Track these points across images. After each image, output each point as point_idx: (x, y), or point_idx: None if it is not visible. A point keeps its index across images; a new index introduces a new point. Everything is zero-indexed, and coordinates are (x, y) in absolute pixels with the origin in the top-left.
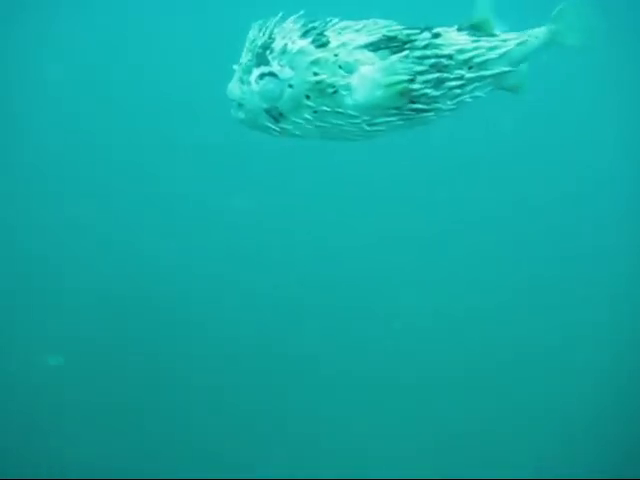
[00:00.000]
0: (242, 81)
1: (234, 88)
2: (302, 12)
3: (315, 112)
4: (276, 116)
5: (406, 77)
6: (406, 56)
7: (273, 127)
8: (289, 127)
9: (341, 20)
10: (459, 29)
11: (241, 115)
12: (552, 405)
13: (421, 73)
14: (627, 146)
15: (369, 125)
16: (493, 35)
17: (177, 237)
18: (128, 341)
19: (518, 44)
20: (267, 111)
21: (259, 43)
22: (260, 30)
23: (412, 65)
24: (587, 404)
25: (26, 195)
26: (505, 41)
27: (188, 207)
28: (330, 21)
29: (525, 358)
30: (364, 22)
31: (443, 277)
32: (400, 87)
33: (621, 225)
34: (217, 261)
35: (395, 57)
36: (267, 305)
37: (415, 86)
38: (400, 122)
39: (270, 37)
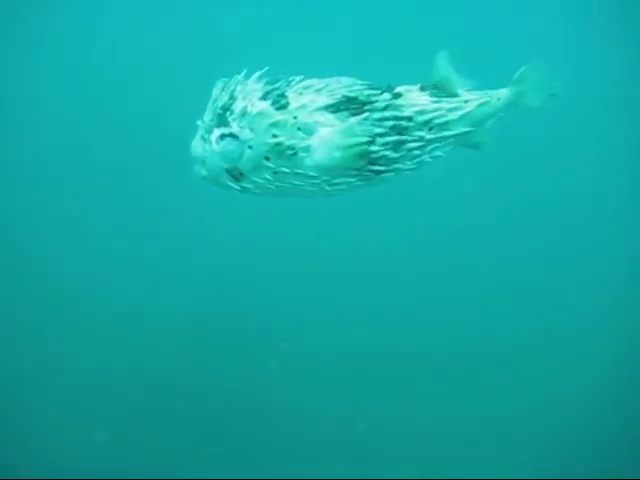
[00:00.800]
0: (204, 140)
1: (196, 146)
2: (266, 69)
3: (275, 173)
4: (237, 176)
5: (365, 139)
6: (365, 118)
7: (234, 186)
8: (250, 186)
9: (304, 78)
10: (422, 88)
11: (203, 172)
12: (552, 405)
13: (380, 135)
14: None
15: (329, 185)
16: (455, 95)
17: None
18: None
19: (479, 105)
20: (228, 171)
21: (220, 104)
22: (222, 89)
23: (371, 127)
24: (587, 404)
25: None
26: (466, 102)
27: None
28: (292, 80)
29: (525, 358)
30: (327, 81)
31: (443, 277)
32: (359, 149)
33: (620, 226)
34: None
35: (354, 119)
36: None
37: (374, 148)
38: (361, 182)
39: (231, 97)
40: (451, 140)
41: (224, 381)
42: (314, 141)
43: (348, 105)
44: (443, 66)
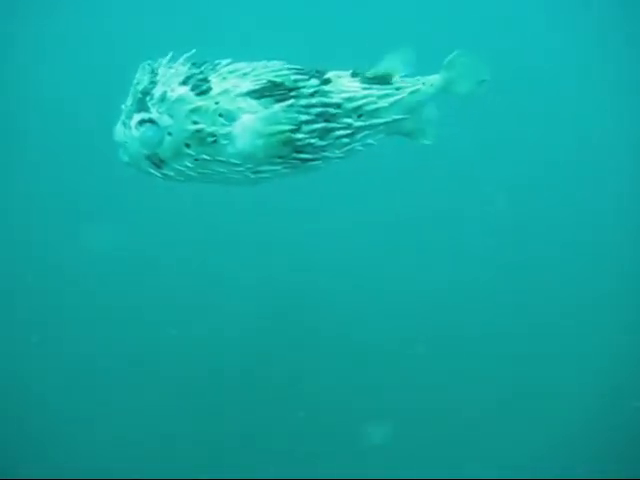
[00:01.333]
0: (125, 125)
1: (118, 131)
2: (193, 51)
3: (196, 160)
4: (157, 162)
5: (289, 127)
6: (291, 105)
7: (155, 173)
8: (171, 173)
9: (232, 62)
10: (353, 74)
11: (125, 158)
12: (552, 405)
13: (306, 122)
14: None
15: (254, 173)
16: (388, 82)
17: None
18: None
19: (411, 92)
20: (148, 157)
21: (139, 88)
22: (144, 73)
23: (296, 114)
24: (587, 404)
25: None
26: (398, 89)
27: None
28: (218, 64)
29: (525, 358)
30: (254, 65)
31: (444, 279)
32: (282, 137)
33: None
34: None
35: (278, 106)
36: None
37: (299, 136)
38: (287, 170)
39: (152, 82)
40: (382, 128)
41: (224, 381)
42: (236, 128)
43: (273, 91)
44: (396, 56)
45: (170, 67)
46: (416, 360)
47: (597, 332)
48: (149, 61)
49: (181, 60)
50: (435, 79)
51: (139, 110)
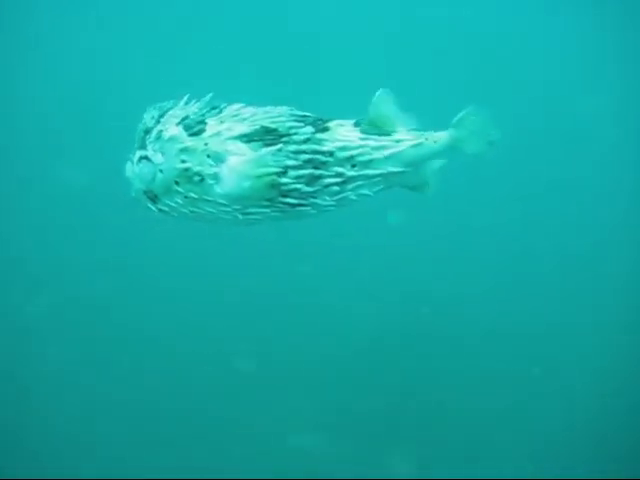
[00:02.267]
0: (131, 161)
1: (128, 167)
2: (211, 94)
3: (186, 197)
4: (152, 198)
5: (275, 170)
6: (279, 149)
7: (152, 208)
8: (166, 209)
9: (241, 106)
10: (356, 124)
11: (133, 193)
12: (551, 405)
13: (293, 168)
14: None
15: (242, 214)
16: (390, 133)
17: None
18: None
19: (412, 146)
20: (144, 192)
21: (142, 127)
22: (150, 113)
23: (284, 159)
24: (587, 404)
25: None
26: (398, 141)
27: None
28: (224, 107)
29: (524, 358)
30: (258, 109)
31: (445, 281)
32: (268, 180)
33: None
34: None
35: (265, 150)
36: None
37: (285, 180)
38: (277, 214)
39: (157, 121)
40: (379, 179)
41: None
42: (223, 169)
43: (264, 136)
44: (382, 103)
45: (181, 109)
46: (415, 360)
47: (598, 331)
48: (162, 102)
49: (193, 102)
50: (441, 136)
51: (140, 147)
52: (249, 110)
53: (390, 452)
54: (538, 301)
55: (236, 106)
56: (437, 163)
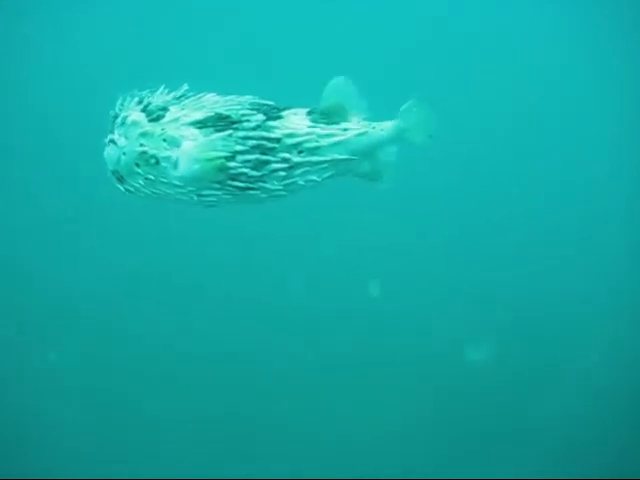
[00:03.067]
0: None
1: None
2: (185, 85)
3: (146, 179)
4: (119, 178)
5: (223, 154)
6: (229, 135)
7: (120, 187)
8: (131, 189)
9: (205, 94)
10: (309, 113)
11: (108, 173)
12: (551, 405)
13: (241, 153)
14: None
15: (197, 196)
16: (338, 122)
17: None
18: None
19: (357, 135)
20: (112, 173)
21: (112, 113)
22: (120, 100)
23: (233, 144)
24: (587, 404)
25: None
26: (345, 130)
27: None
28: (191, 96)
29: (524, 357)
30: (219, 98)
31: (445, 284)
32: (216, 163)
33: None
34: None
35: (215, 135)
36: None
37: (232, 164)
38: (228, 196)
39: (126, 108)
40: (326, 166)
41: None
42: (176, 152)
43: (216, 122)
44: (334, 93)
45: (148, 97)
46: (417, 362)
47: (598, 331)
48: (136, 90)
49: (164, 91)
50: (387, 125)
51: (110, 131)
52: (211, 98)
53: (390, 456)
54: (537, 303)
55: (202, 95)
56: (391, 154)
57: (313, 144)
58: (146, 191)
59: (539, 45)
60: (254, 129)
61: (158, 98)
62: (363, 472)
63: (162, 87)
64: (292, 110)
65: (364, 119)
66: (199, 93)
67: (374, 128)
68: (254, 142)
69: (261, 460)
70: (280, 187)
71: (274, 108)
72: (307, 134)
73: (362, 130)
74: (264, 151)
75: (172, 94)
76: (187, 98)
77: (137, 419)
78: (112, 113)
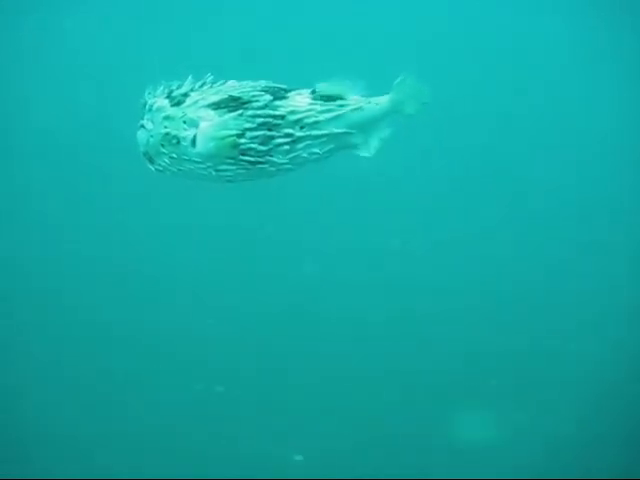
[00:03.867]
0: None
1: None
2: (210, 75)
3: (171, 158)
4: (149, 159)
5: (234, 132)
6: (240, 114)
7: (151, 167)
8: (160, 169)
9: (225, 81)
10: (312, 92)
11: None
12: (551, 405)
13: (250, 130)
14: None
15: (216, 171)
16: (336, 99)
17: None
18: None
19: (353, 110)
20: (144, 154)
21: (142, 101)
22: (149, 89)
23: (243, 122)
24: (587, 404)
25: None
26: (342, 106)
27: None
28: (214, 82)
29: (523, 357)
30: (235, 83)
31: (444, 283)
32: (229, 140)
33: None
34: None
35: (228, 115)
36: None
37: (242, 140)
38: (242, 171)
39: (153, 96)
40: (325, 139)
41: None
42: (194, 132)
43: (229, 103)
44: (335, 77)
45: (172, 85)
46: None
47: (598, 331)
48: (163, 81)
49: (189, 80)
50: (382, 100)
51: (142, 117)
52: (229, 84)
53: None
54: (537, 303)
55: (222, 82)
56: (386, 130)
57: (312, 119)
58: (172, 169)
59: (537, 41)
60: (262, 108)
61: (182, 86)
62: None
63: (189, 77)
64: (297, 91)
65: (362, 96)
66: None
67: (369, 103)
68: (261, 120)
69: (263, 460)
70: (286, 160)
71: (282, 89)
72: (307, 110)
73: (358, 105)
74: (270, 127)
75: (195, 83)
76: (209, 86)
77: (138, 419)
78: (142, 101)
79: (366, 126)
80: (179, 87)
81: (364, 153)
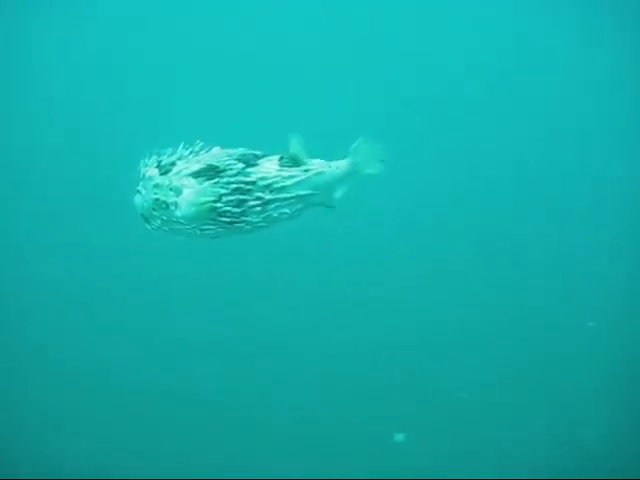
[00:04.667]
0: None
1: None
2: (200, 143)
3: (162, 220)
4: (146, 219)
5: (212, 198)
6: (216, 182)
7: (148, 226)
8: (155, 227)
9: (207, 149)
10: (280, 159)
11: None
12: (551, 405)
13: (225, 195)
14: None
15: (200, 230)
16: (300, 165)
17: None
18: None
19: (316, 174)
20: (141, 215)
21: (138, 170)
22: (145, 161)
23: (219, 189)
24: (586, 404)
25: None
26: (306, 171)
27: None
28: (195, 152)
29: (523, 357)
30: (218, 151)
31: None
32: (207, 205)
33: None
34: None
35: (206, 183)
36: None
37: (219, 205)
38: (222, 229)
39: (145, 165)
40: (294, 200)
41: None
42: (179, 199)
43: (207, 172)
44: (297, 144)
45: (162, 155)
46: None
47: (597, 331)
48: (157, 150)
49: (178, 150)
50: (341, 163)
51: (138, 184)
52: (212, 151)
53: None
54: (537, 302)
55: (206, 149)
56: (346, 189)
57: (280, 184)
58: (165, 228)
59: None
60: (235, 175)
61: (171, 156)
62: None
63: (180, 146)
64: (268, 158)
65: (319, 161)
66: (207, 146)
67: (330, 167)
68: (235, 185)
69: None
70: (260, 219)
71: (255, 156)
72: (275, 176)
73: (320, 169)
74: (243, 192)
75: (184, 151)
76: (194, 153)
77: (140, 418)
78: (137, 171)
79: (329, 187)
80: (168, 156)
81: (329, 208)
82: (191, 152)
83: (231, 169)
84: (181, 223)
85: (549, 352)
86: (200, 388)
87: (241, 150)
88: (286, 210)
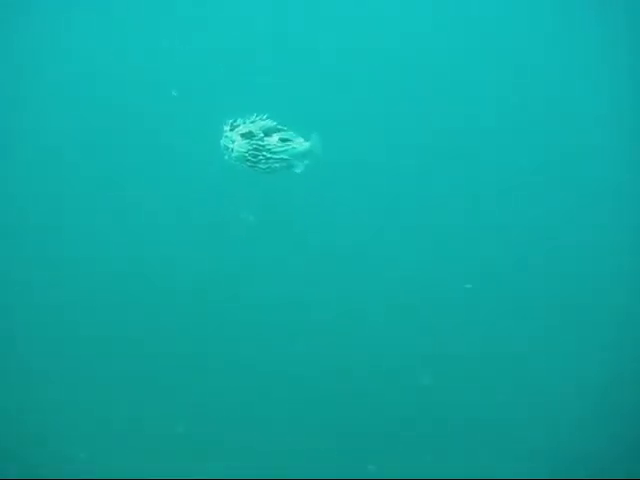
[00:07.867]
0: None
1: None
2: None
3: (228, 155)
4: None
5: (244, 149)
6: (248, 142)
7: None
8: (232, 161)
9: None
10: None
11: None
12: (551, 405)
13: (250, 150)
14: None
15: (247, 166)
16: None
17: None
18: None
19: (292, 148)
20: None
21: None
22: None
23: (247, 146)
24: (586, 404)
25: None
26: (292, 145)
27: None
28: (244, 121)
29: (523, 357)
30: (262, 122)
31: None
32: (240, 153)
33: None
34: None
35: (244, 141)
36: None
37: (246, 155)
38: (250, 169)
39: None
40: (281, 160)
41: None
42: (232, 146)
43: (247, 134)
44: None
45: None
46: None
47: (597, 332)
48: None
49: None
50: (306, 144)
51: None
52: (254, 122)
53: (390, 455)
54: (538, 301)
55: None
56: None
57: (275, 149)
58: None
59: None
60: (257, 140)
61: (237, 120)
62: None
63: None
64: (279, 132)
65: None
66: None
67: (302, 144)
68: (255, 145)
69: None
70: (266, 167)
71: (275, 129)
72: (274, 145)
73: (295, 146)
74: (258, 150)
75: (244, 120)
76: (249, 121)
77: (142, 418)
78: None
79: (300, 156)
80: (235, 121)
81: (297, 171)
82: (244, 121)
83: (256, 136)
84: (233, 158)
85: (549, 352)
86: (200, 388)
87: (268, 122)
88: (277, 165)
